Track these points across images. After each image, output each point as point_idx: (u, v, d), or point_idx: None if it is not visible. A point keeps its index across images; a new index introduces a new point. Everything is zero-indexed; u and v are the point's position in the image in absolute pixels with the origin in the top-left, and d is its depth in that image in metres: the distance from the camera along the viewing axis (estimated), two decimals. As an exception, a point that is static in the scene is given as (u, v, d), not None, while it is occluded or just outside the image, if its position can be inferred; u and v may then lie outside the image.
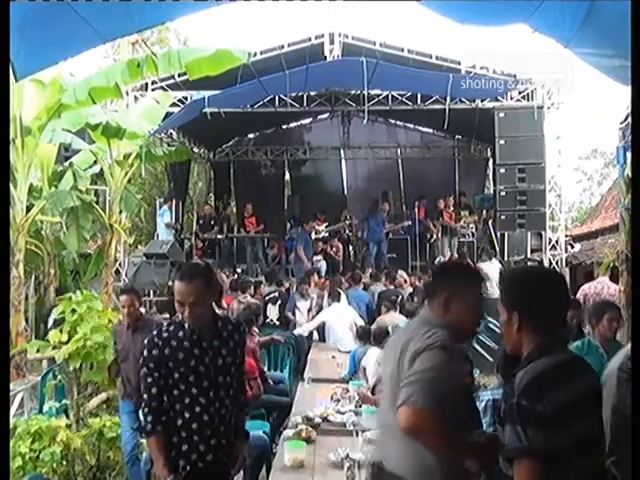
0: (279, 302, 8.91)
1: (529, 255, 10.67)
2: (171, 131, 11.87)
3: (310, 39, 9.93)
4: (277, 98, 10.38)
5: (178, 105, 9.86)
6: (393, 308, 7.67)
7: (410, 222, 12.26)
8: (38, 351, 6.03)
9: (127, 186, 8.92)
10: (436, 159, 15.02)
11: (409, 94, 10.48)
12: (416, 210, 12.58)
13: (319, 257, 11.10)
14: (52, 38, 3.06)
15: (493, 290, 9.39)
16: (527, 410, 1.73)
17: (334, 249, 11.60)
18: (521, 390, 1.77)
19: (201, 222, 12.79)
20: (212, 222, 12.58)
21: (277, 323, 8.53)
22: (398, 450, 2.16)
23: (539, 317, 1.89)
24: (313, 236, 11.74)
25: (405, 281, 9.59)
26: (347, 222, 12.50)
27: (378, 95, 10.47)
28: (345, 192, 15.71)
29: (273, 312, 8.83)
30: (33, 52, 2.95)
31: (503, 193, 10.18)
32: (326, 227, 12.15)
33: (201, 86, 9.10)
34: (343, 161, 15.79)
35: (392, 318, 7.88)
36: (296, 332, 8.07)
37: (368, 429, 3.92)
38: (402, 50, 9.86)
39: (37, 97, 6.96)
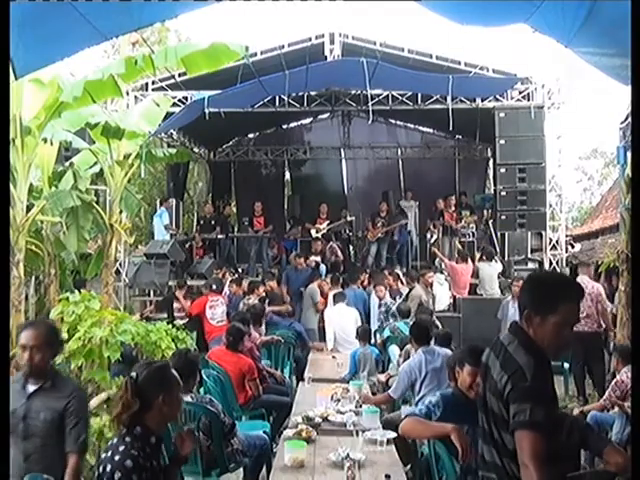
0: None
1: (529, 255, 10.67)
2: (171, 131, 11.86)
3: (310, 39, 9.95)
4: (277, 98, 10.37)
5: (178, 105, 9.85)
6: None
7: (407, 221, 12.22)
8: (38, 351, 6.01)
9: (127, 186, 8.89)
10: (436, 159, 15.02)
11: (409, 94, 10.47)
12: (416, 210, 12.56)
13: (318, 258, 11.09)
14: (52, 36, 3.04)
15: (493, 290, 9.44)
16: None
17: (334, 249, 11.58)
18: None
19: (202, 222, 12.78)
20: (213, 222, 12.55)
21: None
22: None
23: None
24: (314, 235, 11.75)
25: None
26: (347, 219, 12.46)
27: (378, 95, 10.46)
28: (345, 192, 15.70)
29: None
30: (33, 50, 2.94)
31: (503, 193, 10.19)
32: (327, 225, 12.12)
33: (201, 86, 9.10)
34: (343, 161, 15.79)
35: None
36: None
37: (368, 429, 3.92)
38: (402, 50, 9.87)
39: (35, 96, 6.92)
